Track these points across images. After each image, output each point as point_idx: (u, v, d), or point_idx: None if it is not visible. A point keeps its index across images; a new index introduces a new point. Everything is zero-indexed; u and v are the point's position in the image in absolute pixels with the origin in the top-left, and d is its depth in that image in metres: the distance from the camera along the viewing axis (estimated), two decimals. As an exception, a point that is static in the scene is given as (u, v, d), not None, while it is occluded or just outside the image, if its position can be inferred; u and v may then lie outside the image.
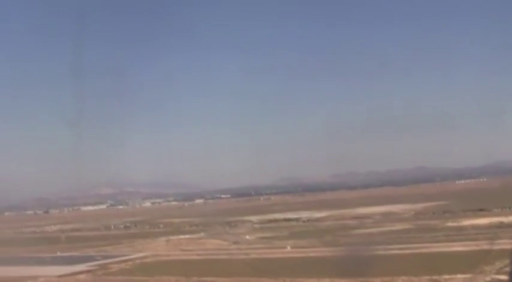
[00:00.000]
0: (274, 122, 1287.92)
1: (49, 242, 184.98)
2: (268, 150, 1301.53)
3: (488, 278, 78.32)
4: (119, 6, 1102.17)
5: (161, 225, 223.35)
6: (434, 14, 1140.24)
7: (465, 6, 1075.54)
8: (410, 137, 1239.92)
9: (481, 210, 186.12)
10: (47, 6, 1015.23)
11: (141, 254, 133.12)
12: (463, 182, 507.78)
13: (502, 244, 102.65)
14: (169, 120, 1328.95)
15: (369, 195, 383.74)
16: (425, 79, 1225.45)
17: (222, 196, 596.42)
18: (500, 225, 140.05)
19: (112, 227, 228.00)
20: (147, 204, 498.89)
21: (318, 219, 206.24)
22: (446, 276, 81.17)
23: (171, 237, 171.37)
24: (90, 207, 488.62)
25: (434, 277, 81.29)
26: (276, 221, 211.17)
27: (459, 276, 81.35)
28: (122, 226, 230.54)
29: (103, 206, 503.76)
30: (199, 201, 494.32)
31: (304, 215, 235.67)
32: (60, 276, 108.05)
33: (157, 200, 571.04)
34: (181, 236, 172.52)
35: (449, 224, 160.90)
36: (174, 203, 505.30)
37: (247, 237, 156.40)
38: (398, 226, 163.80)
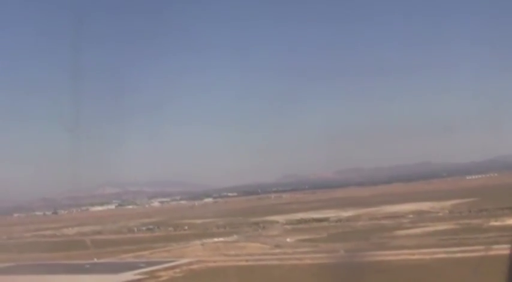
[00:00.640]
0: (276, 119, 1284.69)
1: (77, 246, 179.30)
2: (270, 148, 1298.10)
3: None
4: (117, 6, 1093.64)
5: (185, 227, 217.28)
6: (434, 14, 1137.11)
7: (465, 8, 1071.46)
8: (413, 134, 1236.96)
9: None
10: (46, 6, 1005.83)
11: (185, 260, 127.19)
12: (473, 177, 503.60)
13: None
14: (170, 120, 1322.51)
15: (383, 193, 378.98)
16: (427, 78, 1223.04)
17: (229, 194, 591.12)
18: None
19: (135, 229, 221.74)
20: (156, 203, 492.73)
21: (348, 219, 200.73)
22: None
23: (205, 241, 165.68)
24: (99, 208, 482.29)
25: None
26: (305, 221, 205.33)
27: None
28: (144, 228, 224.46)
29: (111, 206, 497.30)
30: (208, 200, 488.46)
31: (330, 214, 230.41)
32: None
33: (164, 199, 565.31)
34: (215, 239, 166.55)
35: (495, 223, 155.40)
36: (182, 202, 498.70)
37: (288, 240, 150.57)
38: (441, 226, 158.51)
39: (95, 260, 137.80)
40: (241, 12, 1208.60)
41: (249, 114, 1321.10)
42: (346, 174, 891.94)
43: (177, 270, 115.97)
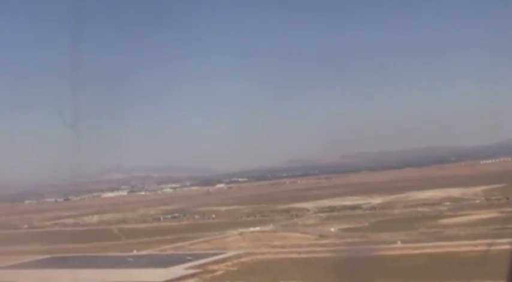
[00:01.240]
0: (280, 104, 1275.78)
1: (106, 236, 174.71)
2: (274, 132, 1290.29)
3: None
4: (119, 4, 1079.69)
5: (213, 215, 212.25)
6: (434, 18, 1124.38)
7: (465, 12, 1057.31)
8: (418, 117, 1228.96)
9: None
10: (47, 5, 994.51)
11: (232, 252, 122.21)
12: (487, 162, 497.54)
13: None
14: (176, 105, 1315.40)
15: (400, 178, 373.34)
16: (433, 62, 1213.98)
17: (239, 180, 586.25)
18: None
19: (160, 217, 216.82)
20: (167, 189, 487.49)
21: (383, 207, 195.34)
22: None
23: (241, 230, 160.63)
24: (110, 194, 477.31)
25: None
26: (337, 209, 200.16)
27: None
28: (169, 216, 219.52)
29: (122, 193, 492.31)
30: (220, 185, 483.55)
31: (358, 201, 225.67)
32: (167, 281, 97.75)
33: (174, 185, 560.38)
34: (251, 229, 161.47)
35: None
36: (194, 188, 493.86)
37: (332, 229, 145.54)
38: (485, 214, 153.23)
39: (135, 252, 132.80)
40: (245, 0, 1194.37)
41: (253, 99, 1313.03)
42: (353, 159, 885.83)
43: (229, 263, 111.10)
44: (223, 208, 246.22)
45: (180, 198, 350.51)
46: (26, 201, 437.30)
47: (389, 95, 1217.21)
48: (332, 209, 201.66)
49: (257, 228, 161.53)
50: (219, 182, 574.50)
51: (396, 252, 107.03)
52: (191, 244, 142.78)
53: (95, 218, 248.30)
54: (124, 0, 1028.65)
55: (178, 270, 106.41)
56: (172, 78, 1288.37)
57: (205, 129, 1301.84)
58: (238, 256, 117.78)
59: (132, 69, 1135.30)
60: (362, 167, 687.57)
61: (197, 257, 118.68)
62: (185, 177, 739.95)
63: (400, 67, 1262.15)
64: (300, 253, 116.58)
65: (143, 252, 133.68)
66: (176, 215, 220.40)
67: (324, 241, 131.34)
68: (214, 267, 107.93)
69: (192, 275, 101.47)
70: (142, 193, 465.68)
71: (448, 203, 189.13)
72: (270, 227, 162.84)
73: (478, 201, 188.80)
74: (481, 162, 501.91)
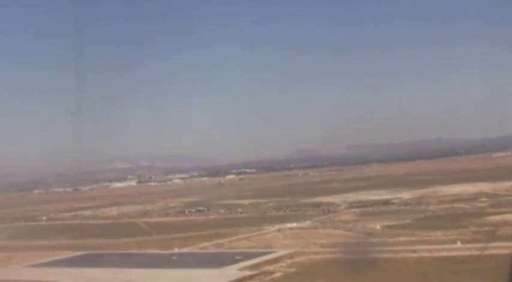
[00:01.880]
0: (285, 95, 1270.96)
1: (135, 231, 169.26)
2: (278, 123, 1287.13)
3: None
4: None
5: (239, 209, 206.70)
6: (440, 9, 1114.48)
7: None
8: (424, 109, 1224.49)
9: None
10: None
11: (281, 252, 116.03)
12: (500, 155, 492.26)
13: None
14: (180, 95, 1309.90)
15: (417, 171, 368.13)
16: (437, 54, 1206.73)
17: (248, 171, 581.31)
18: None
19: (185, 211, 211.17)
20: (177, 180, 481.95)
21: (416, 202, 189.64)
22: None
23: (277, 226, 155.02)
24: (119, 184, 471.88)
25: None
26: (369, 204, 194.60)
27: None
28: (193, 210, 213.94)
29: (131, 183, 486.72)
30: (230, 176, 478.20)
31: (386, 195, 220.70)
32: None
33: (182, 175, 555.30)
34: (288, 225, 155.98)
35: None
36: (203, 178, 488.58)
37: (378, 227, 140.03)
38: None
39: (177, 250, 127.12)
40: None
41: (258, 90, 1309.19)
42: (359, 150, 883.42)
43: (283, 264, 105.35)
44: (245, 201, 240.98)
45: (194, 190, 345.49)
46: (35, 191, 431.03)
47: (394, 87, 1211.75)
48: (363, 204, 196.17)
49: (294, 224, 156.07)
50: (227, 172, 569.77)
51: (463, 253, 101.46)
52: (231, 241, 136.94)
53: (114, 210, 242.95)
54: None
55: (232, 271, 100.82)
56: (177, 68, 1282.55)
57: (209, 119, 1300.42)
58: (290, 256, 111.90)
59: (136, 59, 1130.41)
60: (369, 158, 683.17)
61: (246, 256, 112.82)
62: (190, 167, 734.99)
63: (405, 59, 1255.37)
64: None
65: (185, 250, 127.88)
66: (200, 208, 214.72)
67: (374, 240, 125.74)
68: (269, 268, 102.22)
69: (250, 277, 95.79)
70: (152, 184, 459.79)
71: (484, 199, 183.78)
72: (307, 223, 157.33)
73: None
74: (493, 155, 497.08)
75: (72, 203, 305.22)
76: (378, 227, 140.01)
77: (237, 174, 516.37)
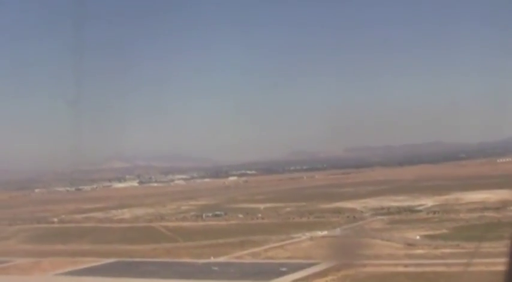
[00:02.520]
0: (281, 95, 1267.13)
1: (158, 237, 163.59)
2: (275, 124, 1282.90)
3: None
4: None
5: (259, 215, 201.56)
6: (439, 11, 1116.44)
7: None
8: (422, 112, 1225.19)
9: None
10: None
11: (326, 263, 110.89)
12: (505, 160, 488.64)
13: None
14: (177, 94, 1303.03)
15: (427, 176, 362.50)
16: (436, 55, 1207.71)
17: (248, 172, 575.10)
18: None
19: (203, 215, 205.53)
20: (179, 181, 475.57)
21: (444, 210, 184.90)
22: None
23: (308, 234, 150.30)
24: (121, 185, 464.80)
25: None
26: (394, 211, 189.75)
27: None
28: (210, 214, 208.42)
29: (132, 183, 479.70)
30: (232, 178, 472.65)
31: (407, 202, 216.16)
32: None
33: (182, 176, 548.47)
34: (319, 233, 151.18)
35: None
36: (205, 180, 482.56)
37: (418, 237, 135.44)
38: None
39: (213, 259, 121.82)
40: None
41: (255, 90, 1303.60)
42: (357, 153, 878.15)
43: (334, 277, 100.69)
44: (260, 206, 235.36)
45: (201, 192, 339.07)
46: (37, 190, 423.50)
47: (393, 89, 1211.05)
48: (387, 211, 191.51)
49: (325, 232, 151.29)
50: (227, 174, 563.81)
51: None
52: (265, 250, 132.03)
53: (126, 213, 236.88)
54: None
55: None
56: (174, 66, 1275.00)
57: (206, 119, 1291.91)
58: (337, 268, 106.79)
59: (134, 57, 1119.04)
60: (368, 161, 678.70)
61: (291, 268, 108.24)
62: (188, 168, 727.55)
63: (404, 61, 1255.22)
64: (406, 266, 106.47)
65: (221, 259, 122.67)
66: (218, 212, 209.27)
67: (419, 251, 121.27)
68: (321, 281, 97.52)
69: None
70: (155, 184, 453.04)
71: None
72: (338, 232, 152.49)
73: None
74: (498, 161, 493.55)
75: (79, 203, 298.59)
76: (418, 237, 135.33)
77: (239, 175, 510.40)
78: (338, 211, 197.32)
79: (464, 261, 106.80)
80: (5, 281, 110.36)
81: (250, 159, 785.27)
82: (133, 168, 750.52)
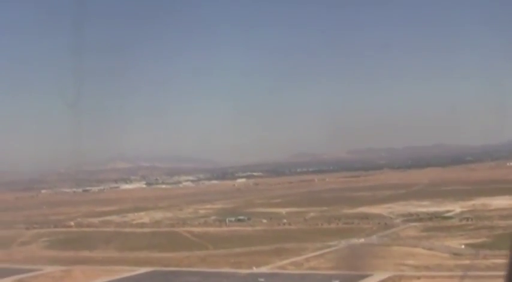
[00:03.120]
0: (284, 97, 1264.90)
1: (187, 243, 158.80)
2: (277, 125, 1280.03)
3: None
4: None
5: (284, 220, 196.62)
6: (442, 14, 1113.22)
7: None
8: (424, 114, 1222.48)
9: None
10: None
11: (382, 275, 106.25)
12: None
13: None
14: (180, 96, 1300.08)
15: (441, 180, 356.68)
16: (437, 58, 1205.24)
17: (254, 174, 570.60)
18: None
19: (226, 221, 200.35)
20: (187, 183, 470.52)
21: (477, 217, 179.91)
22: None
23: (344, 242, 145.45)
24: (128, 186, 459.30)
25: None
26: (424, 217, 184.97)
27: None
28: (233, 219, 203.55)
29: (140, 185, 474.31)
30: (241, 180, 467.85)
31: (432, 208, 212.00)
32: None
33: (188, 177, 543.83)
34: (355, 240, 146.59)
35: None
36: (213, 181, 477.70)
37: (462, 246, 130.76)
38: None
39: (256, 270, 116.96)
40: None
41: (258, 91, 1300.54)
42: (360, 155, 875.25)
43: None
44: (281, 210, 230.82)
45: (214, 195, 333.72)
46: (43, 191, 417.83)
47: (395, 91, 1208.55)
48: (416, 217, 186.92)
49: (362, 240, 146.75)
50: (233, 175, 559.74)
51: None
52: (307, 260, 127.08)
53: (144, 217, 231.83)
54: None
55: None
56: (176, 67, 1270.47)
57: (209, 120, 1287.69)
58: (391, 279, 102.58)
59: (136, 58, 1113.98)
60: (373, 164, 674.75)
61: (343, 280, 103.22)
62: (191, 169, 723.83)
63: (406, 63, 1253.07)
64: (463, 278, 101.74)
65: (263, 270, 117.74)
66: (241, 217, 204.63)
67: (468, 262, 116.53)
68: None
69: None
70: (163, 186, 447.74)
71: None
72: (374, 239, 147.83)
73: None
74: (508, 164, 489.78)
75: (91, 206, 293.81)
76: (463, 246, 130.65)
77: (246, 177, 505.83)
78: (364, 217, 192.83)
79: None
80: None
81: (252, 161, 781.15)
82: (136, 168, 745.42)
